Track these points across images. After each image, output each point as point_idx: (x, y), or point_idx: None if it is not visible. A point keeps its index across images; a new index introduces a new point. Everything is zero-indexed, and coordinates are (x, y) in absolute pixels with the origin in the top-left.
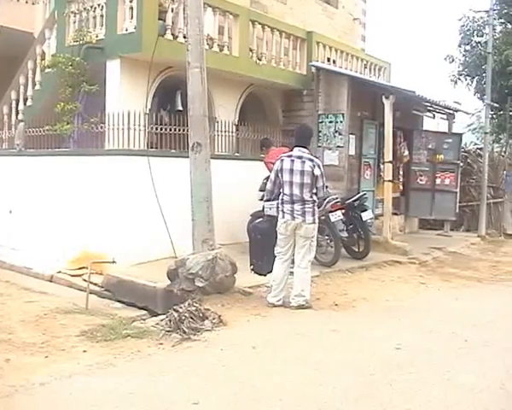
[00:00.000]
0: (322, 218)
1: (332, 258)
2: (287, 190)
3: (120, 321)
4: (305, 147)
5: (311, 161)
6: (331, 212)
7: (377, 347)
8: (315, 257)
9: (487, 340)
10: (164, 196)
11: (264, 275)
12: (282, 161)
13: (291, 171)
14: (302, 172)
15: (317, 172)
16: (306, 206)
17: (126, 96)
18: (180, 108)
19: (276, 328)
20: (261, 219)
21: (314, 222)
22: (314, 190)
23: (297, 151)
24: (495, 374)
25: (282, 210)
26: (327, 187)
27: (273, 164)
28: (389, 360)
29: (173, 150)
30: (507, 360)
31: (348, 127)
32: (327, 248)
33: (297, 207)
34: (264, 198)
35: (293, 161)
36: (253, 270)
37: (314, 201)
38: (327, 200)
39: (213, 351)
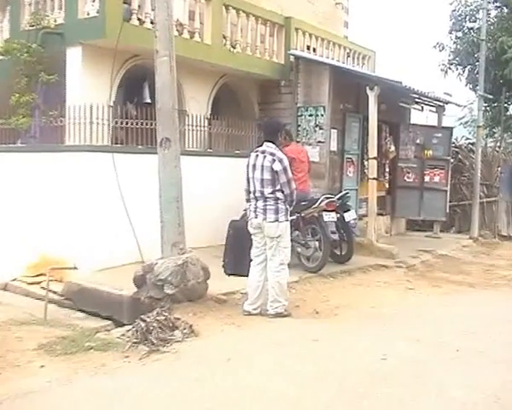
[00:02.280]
0: (315, 217)
1: (318, 262)
2: (251, 186)
3: (82, 333)
4: (271, 142)
5: (272, 155)
6: (325, 211)
7: (361, 357)
8: (301, 262)
9: (480, 350)
10: (130, 196)
11: (227, 275)
12: (250, 156)
13: (253, 166)
14: (262, 168)
15: (276, 166)
16: (268, 203)
17: (89, 86)
18: (148, 100)
19: (252, 338)
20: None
21: (278, 221)
22: (278, 187)
23: (263, 146)
24: (489, 386)
25: (249, 208)
26: None
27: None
28: (374, 371)
29: (140, 146)
30: (501, 372)
31: (329, 121)
32: (315, 252)
33: (259, 204)
34: (245, 198)
35: (257, 156)
36: (223, 268)
37: (277, 198)
38: (321, 198)
39: (184, 364)
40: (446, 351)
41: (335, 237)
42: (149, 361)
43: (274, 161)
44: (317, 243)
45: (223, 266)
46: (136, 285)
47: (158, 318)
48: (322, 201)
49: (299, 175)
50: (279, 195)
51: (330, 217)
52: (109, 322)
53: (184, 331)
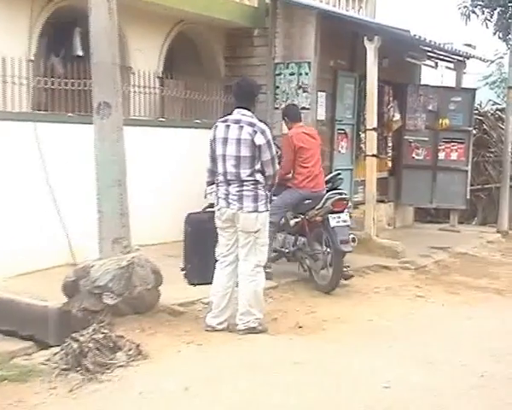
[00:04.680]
0: (319, 220)
1: (329, 280)
2: (220, 166)
3: None
4: (247, 108)
5: (252, 125)
6: (333, 213)
7: (357, 385)
8: (313, 277)
9: (506, 375)
10: (58, 179)
11: (193, 285)
12: (216, 127)
13: (225, 140)
14: (238, 142)
15: (259, 140)
16: (245, 188)
17: None
18: (79, 52)
19: (217, 361)
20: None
21: (257, 211)
22: (257, 167)
23: (235, 114)
24: None
25: (217, 195)
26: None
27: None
28: (373, 403)
29: (71, 114)
30: None
31: (316, 81)
32: (324, 266)
33: (233, 190)
34: (206, 180)
35: (228, 126)
36: (185, 277)
37: (257, 182)
38: (326, 195)
39: (129, 395)
40: (467, 376)
41: (347, 248)
42: (84, 393)
43: (255, 132)
44: (327, 254)
45: (184, 276)
46: (67, 294)
47: (95, 336)
48: (327, 199)
49: (305, 170)
50: (259, 177)
51: (340, 220)
52: (30, 343)
53: (129, 353)
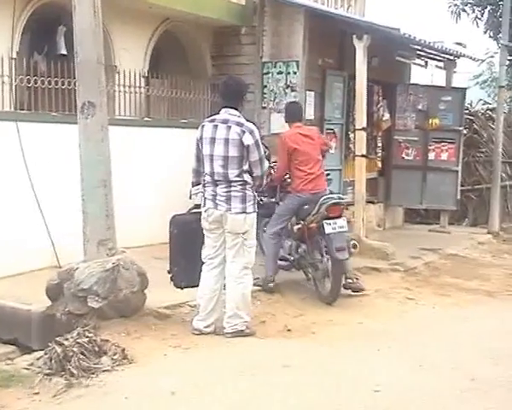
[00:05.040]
0: (314, 226)
1: (330, 290)
2: (207, 167)
3: None
4: (234, 108)
5: (240, 125)
6: (328, 219)
7: (346, 389)
8: (317, 288)
9: (504, 379)
10: (41, 179)
11: (181, 288)
12: (203, 127)
13: (212, 140)
14: (226, 142)
15: (247, 140)
16: (233, 189)
17: None
18: (63, 51)
19: (204, 365)
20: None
21: (245, 212)
22: (245, 167)
23: (223, 113)
24: None
25: (204, 195)
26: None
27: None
28: (363, 408)
29: (54, 113)
30: None
31: (304, 81)
32: (324, 276)
33: (220, 190)
34: (191, 181)
35: (216, 126)
36: (171, 280)
37: (245, 182)
38: (320, 200)
39: (115, 400)
40: (457, 380)
41: (343, 255)
42: (68, 399)
43: (243, 132)
44: (325, 263)
45: (171, 279)
46: (51, 298)
47: (79, 340)
48: (321, 204)
49: (301, 173)
50: (247, 178)
51: (336, 226)
52: (13, 348)
53: (115, 357)
